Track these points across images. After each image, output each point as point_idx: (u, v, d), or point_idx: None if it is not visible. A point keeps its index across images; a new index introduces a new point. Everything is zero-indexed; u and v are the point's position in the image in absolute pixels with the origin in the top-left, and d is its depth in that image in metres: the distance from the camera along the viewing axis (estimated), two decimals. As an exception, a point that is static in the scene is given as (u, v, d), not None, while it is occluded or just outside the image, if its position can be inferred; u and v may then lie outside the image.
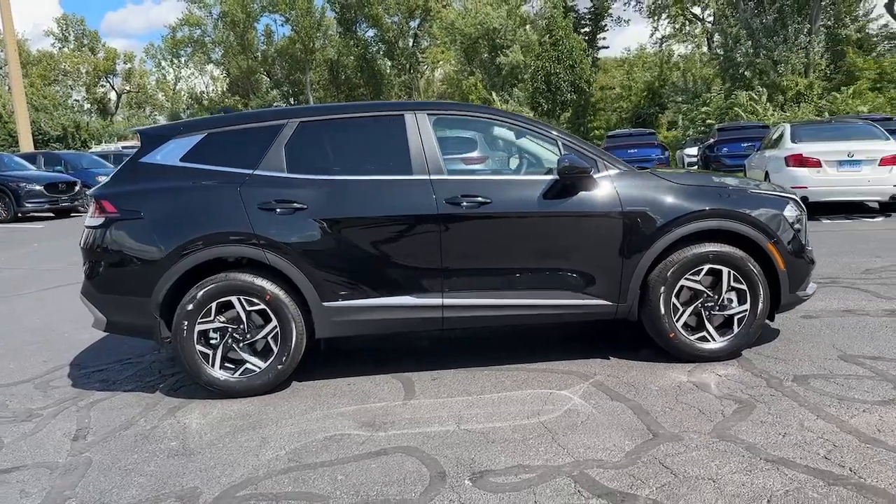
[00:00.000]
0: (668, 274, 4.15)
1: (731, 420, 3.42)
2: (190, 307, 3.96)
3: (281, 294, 4.01)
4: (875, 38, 57.94)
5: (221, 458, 3.29)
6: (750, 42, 39.23)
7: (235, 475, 3.11)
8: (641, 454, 3.10)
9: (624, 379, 4.05)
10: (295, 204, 4.01)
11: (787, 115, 30.16)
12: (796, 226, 4.32)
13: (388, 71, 72.68)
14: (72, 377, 4.66)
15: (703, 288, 4.20)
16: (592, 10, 54.38)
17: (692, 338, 4.22)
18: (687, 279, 4.18)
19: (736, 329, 4.24)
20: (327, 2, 71.09)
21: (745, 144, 18.08)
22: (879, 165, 10.15)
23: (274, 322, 4.03)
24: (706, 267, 4.17)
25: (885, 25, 57.39)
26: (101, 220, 4.06)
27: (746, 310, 4.21)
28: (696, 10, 58.76)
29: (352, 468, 3.12)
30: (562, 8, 42.37)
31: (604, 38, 56.77)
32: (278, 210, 4.01)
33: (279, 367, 4.06)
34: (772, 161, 11.45)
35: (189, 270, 3.96)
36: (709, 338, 4.24)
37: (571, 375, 4.16)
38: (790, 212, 4.32)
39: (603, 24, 54.96)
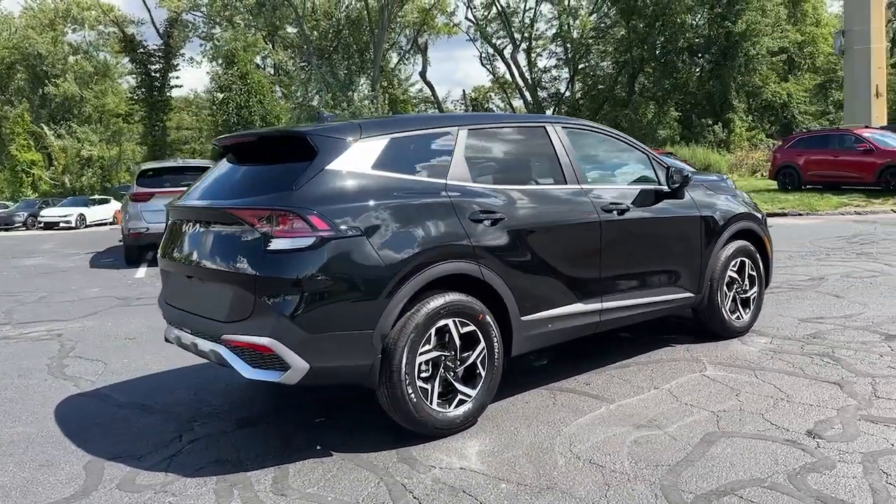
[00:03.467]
0: (723, 266, 5.03)
1: (852, 364, 4.45)
2: (414, 335, 3.37)
3: (488, 312, 3.69)
4: (415, 100, 69.06)
5: (591, 482, 3.01)
6: (330, 94, 43.05)
7: (646, 491, 2.92)
8: (859, 398, 3.89)
9: (722, 356, 4.77)
10: (496, 215, 3.74)
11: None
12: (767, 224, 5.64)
13: None
14: (160, 470, 3.34)
15: (736, 276, 5.20)
16: (163, 47, 52.31)
17: (733, 317, 5.18)
18: (730, 270, 5.12)
19: (752, 307, 5.33)
20: None
21: None
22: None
23: (482, 344, 3.66)
24: (739, 259, 5.18)
25: (421, 90, 68.69)
26: (310, 241, 3.14)
27: (756, 292, 5.34)
28: (258, 59, 61.34)
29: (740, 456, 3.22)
30: (243, 40, 40.25)
31: (177, 77, 55.02)
32: (487, 222, 3.69)
33: (486, 392, 3.70)
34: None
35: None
36: (740, 316, 5.25)
37: (682, 362, 4.70)
38: (763, 214, 5.63)
39: (175, 63, 53.30)
